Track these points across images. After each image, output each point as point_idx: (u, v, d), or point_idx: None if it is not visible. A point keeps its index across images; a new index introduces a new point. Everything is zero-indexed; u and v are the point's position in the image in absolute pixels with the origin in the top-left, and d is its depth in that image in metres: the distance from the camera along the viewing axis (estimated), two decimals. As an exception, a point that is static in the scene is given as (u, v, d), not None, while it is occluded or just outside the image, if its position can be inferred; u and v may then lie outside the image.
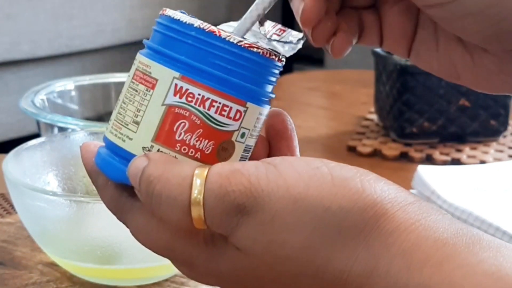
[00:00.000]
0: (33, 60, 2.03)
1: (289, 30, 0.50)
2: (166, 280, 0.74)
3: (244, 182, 0.43)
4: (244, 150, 0.48)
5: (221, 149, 0.46)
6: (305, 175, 0.43)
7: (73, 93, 1.08)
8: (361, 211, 0.43)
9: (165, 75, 0.46)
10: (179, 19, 0.46)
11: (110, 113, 0.49)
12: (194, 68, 0.45)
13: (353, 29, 0.53)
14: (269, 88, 0.48)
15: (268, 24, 0.50)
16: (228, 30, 0.48)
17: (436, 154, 1.11)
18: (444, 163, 1.09)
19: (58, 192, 0.78)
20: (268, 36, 0.49)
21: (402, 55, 0.54)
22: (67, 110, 1.05)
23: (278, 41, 0.49)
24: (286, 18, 2.62)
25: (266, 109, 0.48)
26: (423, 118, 1.14)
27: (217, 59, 0.45)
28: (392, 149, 1.13)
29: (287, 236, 0.43)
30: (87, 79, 1.10)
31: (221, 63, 0.45)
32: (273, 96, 0.48)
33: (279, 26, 0.50)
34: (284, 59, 0.48)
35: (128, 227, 0.48)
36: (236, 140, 0.47)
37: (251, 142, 0.48)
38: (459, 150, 1.13)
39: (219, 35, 0.45)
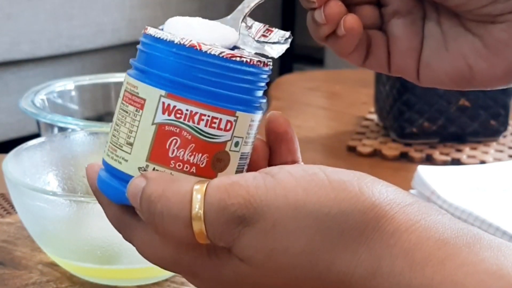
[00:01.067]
0: (33, 60, 2.02)
1: (276, 30, 0.50)
2: (166, 280, 0.74)
3: (243, 193, 0.43)
4: (240, 158, 0.48)
5: (215, 160, 0.46)
6: (303, 181, 0.44)
7: (73, 93, 1.08)
8: (361, 213, 0.43)
9: (152, 94, 0.46)
10: (160, 37, 0.46)
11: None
12: (178, 84, 0.46)
13: (362, 47, 0.54)
14: (258, 93, 0.48)
15: (256, 26, 0.50)
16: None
17: (436, 154, 1.11)
18: (444, 163, 1.09)
19: (58, 192, 0.78)
20: (256, 39, 0.49)
21: (409, 74, 0.55)
22: (67, 110, 1.05)
23: (266, 42, 0.49)
24: (286, 18, 2.62)
25: (258, 115, 0.48)
26: (423, 118, 1.14)
27: (200, 73, 0.45)
28: (392, 149, 1.13)
29: (288, 243, 0.43)
30: (87, 79, 1.10)
31: (204, 76, 0.45)
32: (264, 101, 0.48)
33: (267, 26, 0.50)
34: (270, 63, 0.48)
35: (133, 245, 0.49)
36: (230, 150, 0.47)
37: (247, 149, 0.48)
38: (459, 150, 1.13)
39: (200, 49, 0.45)
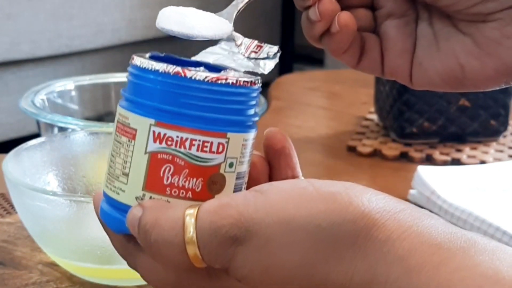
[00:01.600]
0: (33, 60, 2.02)
1: (266, 45, 0.50)
2: (166, 280, 0.74)
3: (233, 214, 0.44)
4: (237, 178, 0.48)
5: (211, 183, 0.47)
6: (293, 196, 0.44)
7: (73, 93, 1.08)
8: (351, 223, 0.43)
9: (142, 124, 0.46)
10: (144, 67, 0.46)
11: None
12: (166, 112, 0.46)
13: (356, 46, 0.54)
14: (248, 112, 0.48)
15: (245, 43, 0.50)
16: (208, 56, 0.48)
17: (436, 154, 1.11)
18: (444, 163, 1.09)
19: (58, 192, 0.78)
20: (246, 55, 0.49)
21: (402, 76, 0.55)
22: (67, 110, 1.05)
23: (256, 59, 0.49)
24: (286, 18, 2.62)
25: (251, 134, 0.48)
26: (423, 118, 1.14)
27: (186, 99, 0.46)
28: (392, 149, 1.13)
29: (283, 258, 0.44)
30: (87, 79, 1.10)
31: (191, 102, 0.46)
32: (256, 118, 0.48)
33: (256, 42, 0.51)
34: (259, 81, 0.48)
35: (138, 271, 0.49)
36: (225, 172, 0.47)
37: (243, 168, 0.48)
38: (459, 150, 1.13)
39: (185, 76, 0.45)
